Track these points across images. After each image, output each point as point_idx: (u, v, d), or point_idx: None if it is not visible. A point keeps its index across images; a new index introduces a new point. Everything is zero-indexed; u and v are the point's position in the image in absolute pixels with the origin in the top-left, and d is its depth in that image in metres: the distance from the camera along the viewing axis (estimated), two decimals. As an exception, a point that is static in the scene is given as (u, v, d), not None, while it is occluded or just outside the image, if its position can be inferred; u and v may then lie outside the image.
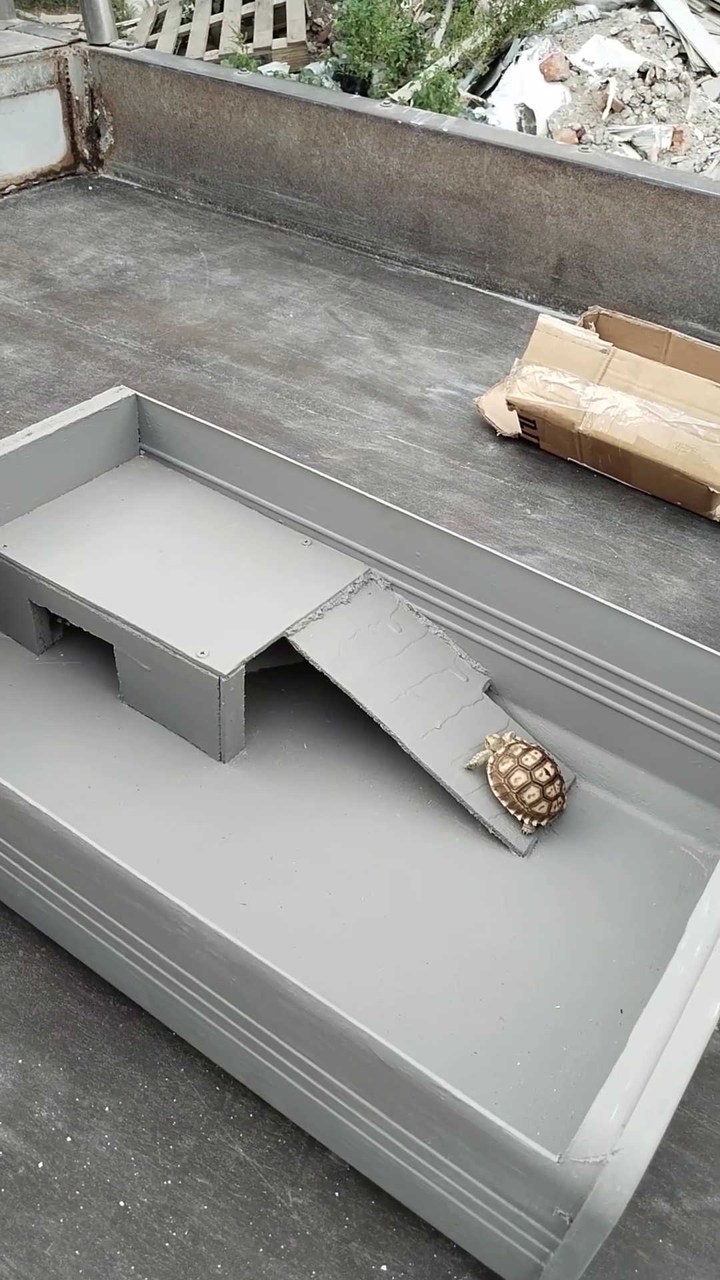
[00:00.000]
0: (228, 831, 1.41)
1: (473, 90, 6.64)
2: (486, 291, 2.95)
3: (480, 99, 6.53)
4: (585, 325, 2.34)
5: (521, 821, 1.43)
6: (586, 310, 2.40)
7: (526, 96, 6.56)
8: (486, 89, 6.70)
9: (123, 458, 1.73)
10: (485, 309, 2.86)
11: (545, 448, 2.25)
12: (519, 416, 2.21)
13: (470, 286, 2.97)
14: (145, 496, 1.68)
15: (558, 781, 1.44)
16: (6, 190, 3.30)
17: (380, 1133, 0.97)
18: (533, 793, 1.42)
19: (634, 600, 1.88)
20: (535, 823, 1.43)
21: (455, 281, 2.99)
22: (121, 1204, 1.07)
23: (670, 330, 2.27)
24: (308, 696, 1.57)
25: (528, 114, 6.51)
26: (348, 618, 1.52)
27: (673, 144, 6.38)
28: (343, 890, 1.35)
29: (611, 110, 6.54)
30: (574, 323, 2.39)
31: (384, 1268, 1.04)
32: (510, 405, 2.18)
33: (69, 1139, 1.11)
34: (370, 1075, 0.91)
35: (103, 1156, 1.10)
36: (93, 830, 1.36)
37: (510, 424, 2.28)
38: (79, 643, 1.61)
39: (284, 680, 1.58)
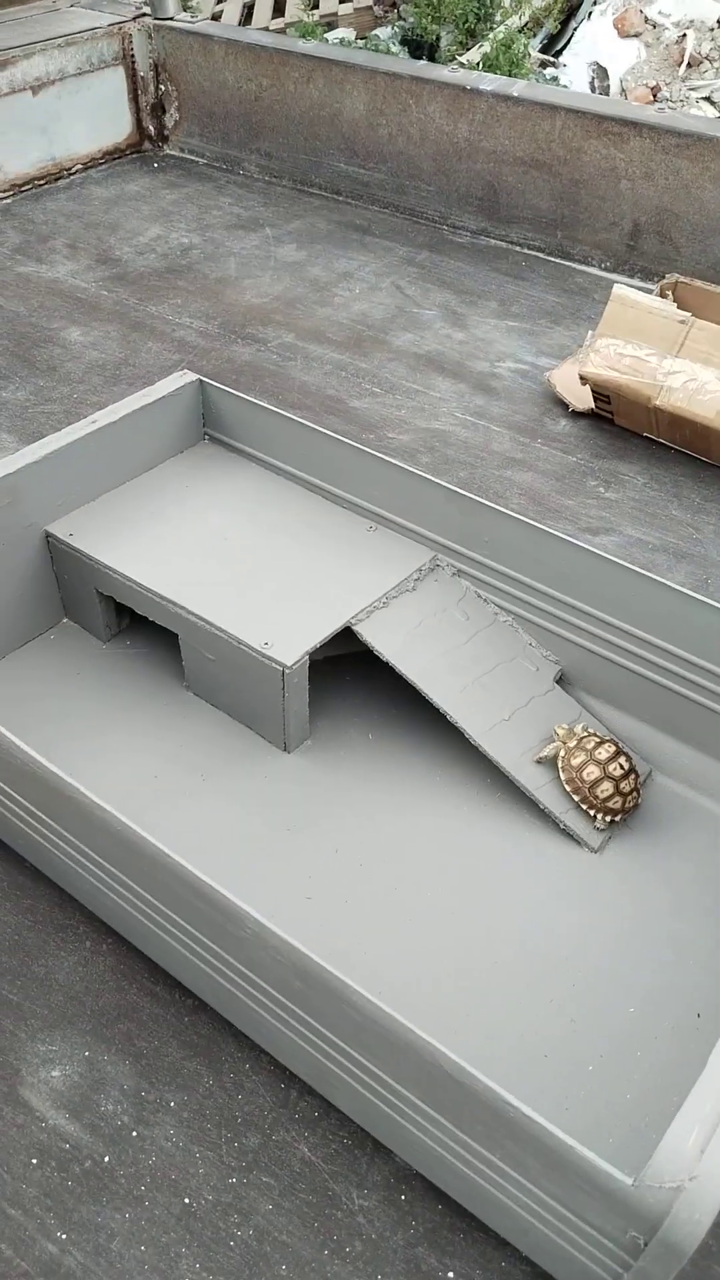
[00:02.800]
0: (293, 823, 1.40)
1: (544, 50, 6.45)
2: (558, 260, 2.87)
3: (551, 59, 6.34)
4: (662, 294, 2.26)
5: (594, 817, 1.39)
6: (663, 278, 2.31)
7: (599, 54, 6.35)
8: (558, 48, 6.51)
9: (187, 444, 1.72)
10: (557, 279, 2.77)
11: (620, 423, 2.17)
12: (592, 391, 2.14)
13: (541, 255, 2.89)
14: (209, 483, 1.66)
15: (632, 775, 1.39)
16: (73, 170, 3.29)
17: (447, 1142, 0.95)
18: (606, 787, 1.37)
19: (714, 583, 1.81)
20: (609, 818, 1.39)
21: (526, 251, 2.91)
22: (186, 1201, 1.07)
23: (752, 298, 2.18)
24: (374, 685, 1.54)
25: (601, 73, 6.31)
26: (413, 606, 1.49)
27: (754, 98, 6.12)
28: (409, 885, 1.33)
29: (689, 65, 6.30)
30: (650, 291, 2.30)
31: (451, 1274, 1.03)
32: (583, 379, 2.10)
33: (135, 1133, 1.11)
34: (438, 1087, 0.89)
35: (168, 1152, 1.10)
36: (158, 821, 1.36)
37: (583, 399, 2.21)
38: (146, 630, 1.60)
39: (350, 668, 1.55)
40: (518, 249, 2.92)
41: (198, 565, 1.51)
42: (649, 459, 2.11)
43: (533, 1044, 1.18)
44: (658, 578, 1.39)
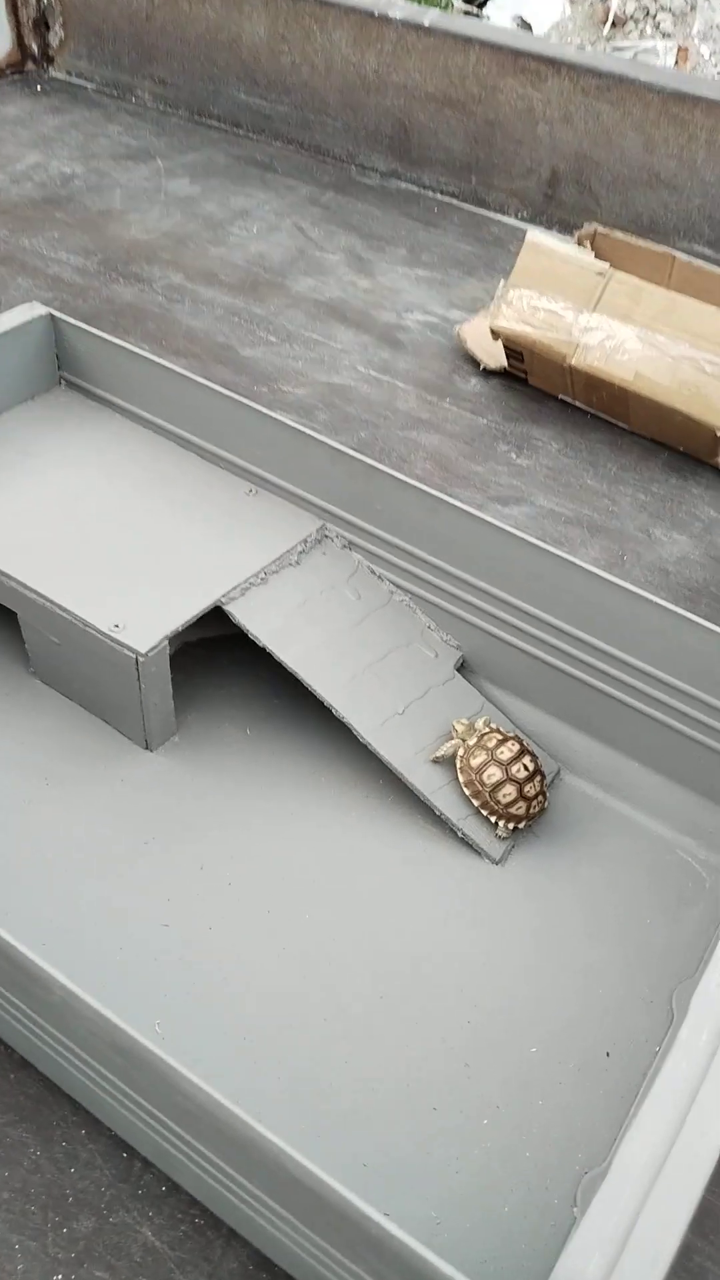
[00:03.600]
0: (152, 835, 1.21)
1: (467, 0, 6.20)
2: (473, 208, 2.67)
3: (475, 9, 6.10)
4: (580, 244, 2.09)
5: (496, 824, 1.23)
6: (582, 228, 2.14)
7: (523, 8, 6.14)
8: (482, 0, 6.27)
9: (38, 389, 1.49)
10: (471, 227, 2.58)
11: (533, 383, 2.01)
12: (505, 348, 1.97)
13: (455, 202, 2.69)
14: (63, 435, 1.44)
15: (538, 778, 1.24)
16: (-57, 88, 2.97)
17: (305, 1245, 0.78)
18: (509, 792, 1.21)
19: (630, 559, 1.66)
20: (512, 825, 1.23)
21: (438, 196, 2.71)
22: (-1, 1306, 0.88)
23: (674, 253, 2.02)
24: (253, 671, 1.35)
25: (524, 26, 6.10)
26: (296, 583, 1.30)
27: (677, 62, 5.99)
28: (284, 907, 1.15)
29: (613, 24, 6.13)
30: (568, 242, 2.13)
31: None
32: (494, 333, 1.93)
33: (-61, 1223, 0.92)
34: (287, 1190, 0.72)
35: (-21, 1245, 0.91)
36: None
37: (495, 356, 2.03)
38: (-13, 607, 1.38)
39: (226, 651, 1.36)
40: (430, 194, 2.72)
41: (44, 531, 1.30)
42: (564, 423, 1.95)
43: (419, 1095, 1.03)
44: (568, 556, 1.22)
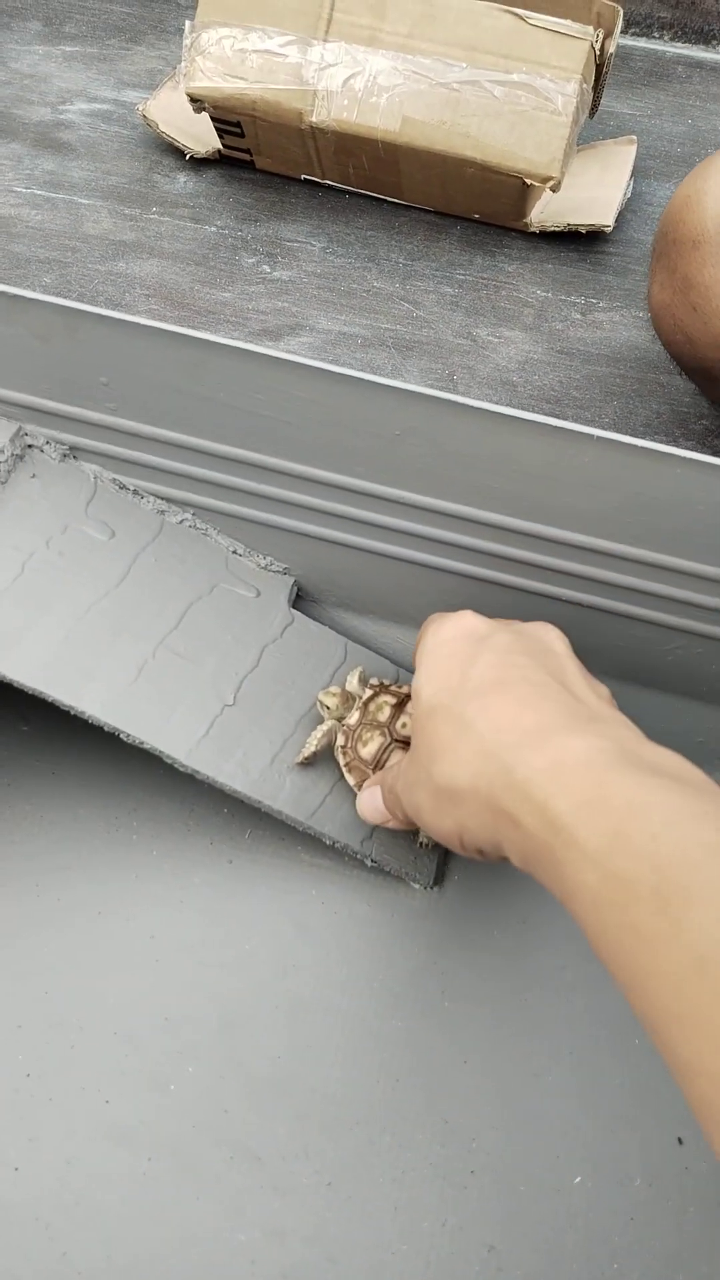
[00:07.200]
0: None
1: None
2: (113, -45, 1.99)
3: None
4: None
5: (416, 832, 0.80)
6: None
7: None
8: None
9: None
10: (118, -20, 1.92)
11: (263, 165, 1.46)
12: (213, 120, 1.40)
13: (87, -49, 2.00)
14: None
15: (465, 745, 0.80)
16: None
17: None
18: (431, 782, 0.77)
19: (462, 377, 1.21)
20: (442, 825, 0.80)
21: (63, -54, 2.00)
22: None
23: (405, -53, 1.48)
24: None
25: None
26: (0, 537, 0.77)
27: None
28: (101, 1046, 0.69)
29: None
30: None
31: None
32: (192, 99, 1.36)
33: None
34: None
35: None
36: None
37: (202, 139, 1.46)
38: None
39: None
40: (51, -56, 2.01)
41: None
42: (320, 212, 1.43)
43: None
44: (422, 389, 0.75)
